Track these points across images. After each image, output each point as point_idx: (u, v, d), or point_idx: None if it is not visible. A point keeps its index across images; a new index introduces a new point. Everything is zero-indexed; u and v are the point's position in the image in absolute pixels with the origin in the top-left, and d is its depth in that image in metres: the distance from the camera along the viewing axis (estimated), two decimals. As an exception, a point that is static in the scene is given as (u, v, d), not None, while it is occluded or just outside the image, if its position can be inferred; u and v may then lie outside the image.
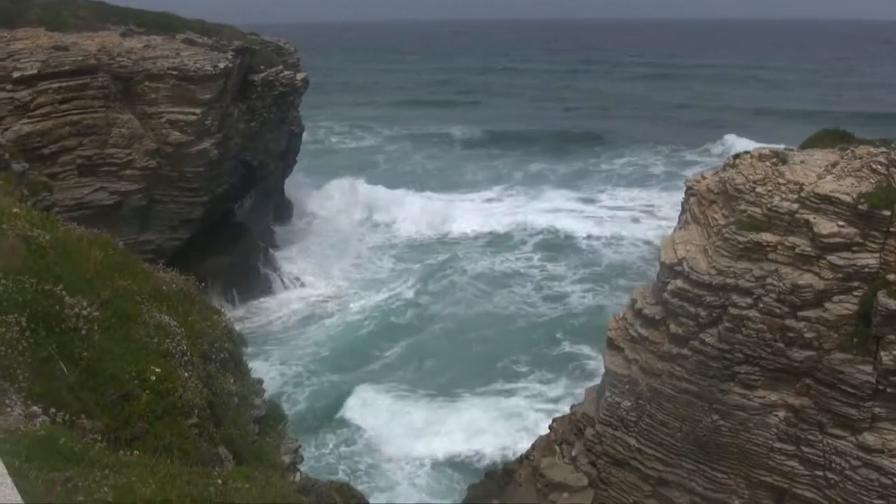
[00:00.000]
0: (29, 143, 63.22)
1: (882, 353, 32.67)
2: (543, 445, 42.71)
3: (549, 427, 43.64)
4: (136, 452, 13.91)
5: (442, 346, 68.92)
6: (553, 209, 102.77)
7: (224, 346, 21.26)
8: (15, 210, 21.06)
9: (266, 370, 58.01)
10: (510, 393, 60.45)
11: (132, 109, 69.73)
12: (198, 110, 70.30)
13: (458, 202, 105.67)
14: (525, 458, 43.08)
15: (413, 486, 49.51)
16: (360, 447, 53.85)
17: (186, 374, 18.02)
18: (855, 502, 33.68)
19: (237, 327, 25.01)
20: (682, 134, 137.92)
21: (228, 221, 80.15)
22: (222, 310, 24.44)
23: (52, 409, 13.95)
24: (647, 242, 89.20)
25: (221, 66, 71.26)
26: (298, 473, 20.39)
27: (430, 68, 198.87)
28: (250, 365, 23.81)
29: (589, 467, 39.90)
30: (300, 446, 22.13)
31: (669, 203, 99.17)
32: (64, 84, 66.51)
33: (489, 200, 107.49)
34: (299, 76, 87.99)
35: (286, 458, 20.24)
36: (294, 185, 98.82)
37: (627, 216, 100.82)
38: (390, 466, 51.15)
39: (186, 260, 58.69)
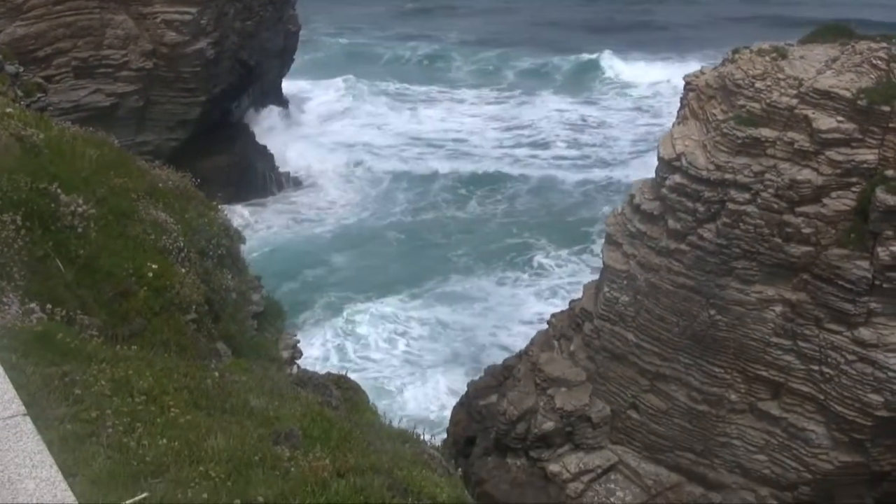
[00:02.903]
0: (23, 45, 62.60)
1: (879, 249, 32.76)
2: (542, 341, 42.93)
3: (548, 322, 43.85)
4: (133, 347, 13.96)
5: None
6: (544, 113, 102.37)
7: (221, 243, 21.24)
8: (8, 110, 20.92)
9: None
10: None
11: (126, 10, 69.04)
12: (193, 9, 69.66)
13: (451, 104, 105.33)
14: (524, 353, 43.34)
15: None
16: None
17: (184, 271, 18.06)
18: (850, 396, 33.98)
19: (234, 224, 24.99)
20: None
21: (226, 121, 79.73)
22: (220, 207, 24.37)
23: (49, 306, 13.98)
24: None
25: (217, -37, 70.50)
26: (296, 367, 20.51)
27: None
28: (248, 261, 23.85)
29: (587, 362, 40.15)
30: (299, 341, 22.23)
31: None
32: (57, -15, 65.75)
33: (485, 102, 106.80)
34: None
35: (285, 353, 20.33)
36: (292, 83, 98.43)
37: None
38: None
39: (184, 160, 57.98)
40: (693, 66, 58.88)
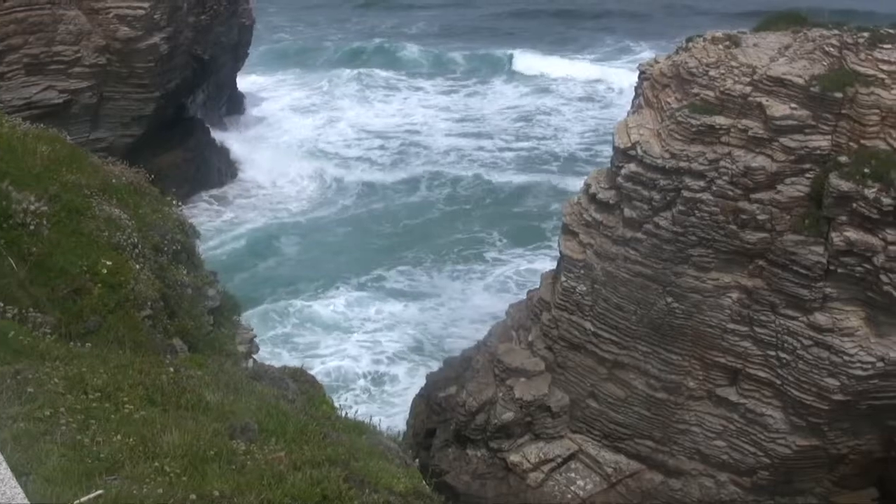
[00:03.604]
0: (-27, 42, 62.04)
1: (833, 235, 32.98)
2: (500, 331, 43.00)
3: (506, 313, 43.92)
4: (87, 344, 13.88)
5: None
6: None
7: (176, 238, 21.18)
8: (-43, 107, 20.77)
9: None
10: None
11: (78, 5, 68.32)
12: (146, 4, 69.05)
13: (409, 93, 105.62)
14: (482, 344, 43.38)
15: None
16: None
17: (138, 267, 17.99)
18: (806, 381, 34.23)
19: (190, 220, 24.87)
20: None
21: (181, 117, 79.27)
22: (175, 202, 24.26)
23: (2, 305, 13.90)
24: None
25: (169, -43, 69.94)
26: (252, 360, 20.45)
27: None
28: (203, 256, 23.76)
29: (545, 352, 40.24)
30: (255, 335, 22.19)
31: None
32: (7, -20, 64.99)
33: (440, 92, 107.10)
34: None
35: (242, 348, 20.30)
36: (247, 77, 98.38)
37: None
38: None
39: (140, 157, 57.85)
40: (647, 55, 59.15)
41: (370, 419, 14.66)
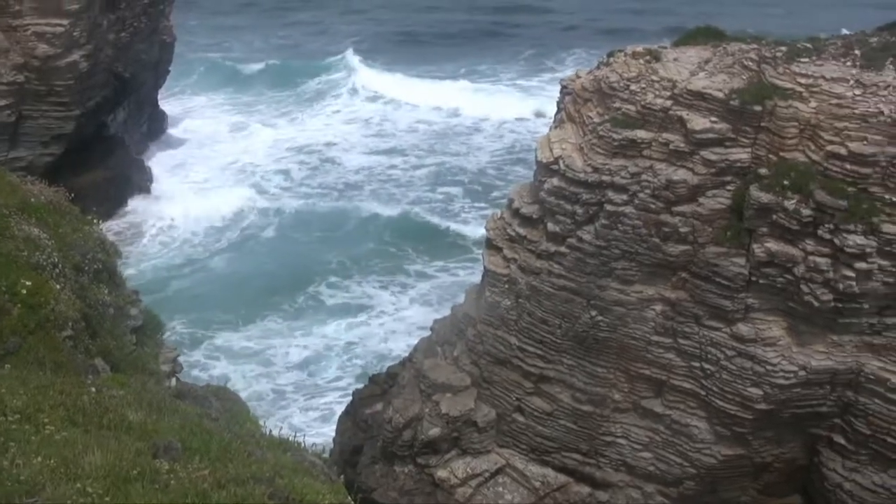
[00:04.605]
0: None
1: (754, 246, 33.40)
2: (425, 347, 42.95)
3: (431, 328, 43.90)
4: (7, 366, 13.69)
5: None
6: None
7: (97, 257, 20.94)
8: None
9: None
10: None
11: (-5, 22, 67.61)
12: (65, 21, 68.38)
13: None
14: (407, 360, 43.33)
15: None
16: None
17: (59, 287, 17.76)
18: (730, 391, 34.58)
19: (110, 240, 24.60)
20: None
21: (101, 135, 78.52)
22: (96, 221, 24.00)
23: (-82, 326, 13.65)
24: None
25: (88, -26, 69.21)
26: (175, 379, 20.28)
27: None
28: (125, 275, 23.52)
29: (471, 367, 40.24)
30: (179, 355, 21.99)
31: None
32: (-79, -3, 64.06)
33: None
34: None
35: (165, 367, 20.11)
36: (168, 95, 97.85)
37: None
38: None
39: (60, 176, 57.24)
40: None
41: (295, 436, 14.60)
